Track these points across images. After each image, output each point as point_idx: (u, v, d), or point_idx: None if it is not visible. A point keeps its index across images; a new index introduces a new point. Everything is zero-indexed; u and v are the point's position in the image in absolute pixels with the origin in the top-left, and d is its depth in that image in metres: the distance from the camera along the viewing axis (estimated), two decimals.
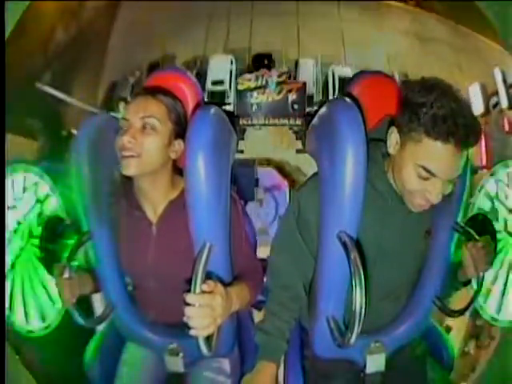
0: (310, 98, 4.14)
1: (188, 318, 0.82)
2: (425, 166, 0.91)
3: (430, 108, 0.88)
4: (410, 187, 0.95)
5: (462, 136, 0.87)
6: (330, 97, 4.21)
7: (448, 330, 1.73)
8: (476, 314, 1.52)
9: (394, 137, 0.97)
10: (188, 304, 0.82)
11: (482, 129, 0.91)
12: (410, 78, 1.01)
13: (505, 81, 1.98)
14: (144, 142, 0.99)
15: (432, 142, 0.88)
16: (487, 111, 2.08)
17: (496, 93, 2.02)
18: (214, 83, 4.24)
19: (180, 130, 1.05)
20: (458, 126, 0.86)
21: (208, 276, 0.88)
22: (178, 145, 1.05)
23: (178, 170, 1.10)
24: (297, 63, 4.04)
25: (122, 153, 0.98)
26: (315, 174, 1.09)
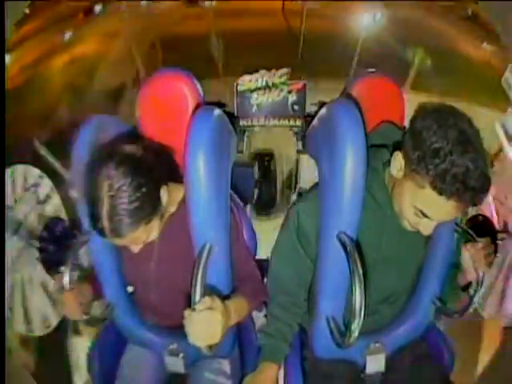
0: None
1: (188, 333, 0.84)
2: (422, 211, 0.89)
3: (443, 161, 0.80)
4: (405, 216, 0.95)
5: (467, 198, 0.83)
6: None
7: None
8: None
9: (398, 162, 0.92)
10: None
11: (490, 186, 0.85)
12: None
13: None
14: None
15: (435, 194, 0.84)
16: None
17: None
18: None
19: (155, 190, 0.92)
20: (467, 190, 0.81)
21: (207, 291, 0.89)
22: (164, 192, 0.95)
23: (175, 177, 1.07)
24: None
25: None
26: (314, 187, 1.09)
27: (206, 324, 0.84)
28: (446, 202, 0.84)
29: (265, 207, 3.02)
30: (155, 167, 0.92)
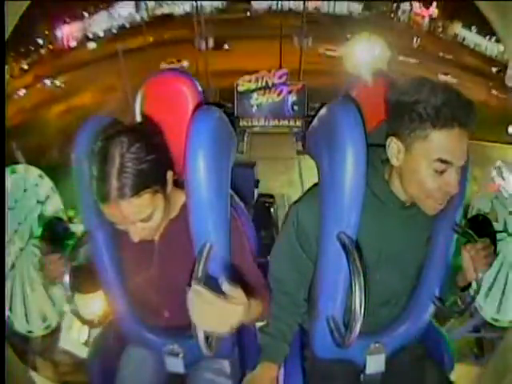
0: None
1: (197, 314, 0.78)
2: (441, 158, 0.90)
3: (428, 101, 0.88)
4: (428, 187, 0.93)
5: (464, 117, 0.88)
6: None
7: None
8: None
9: (394, 147, 0.95)
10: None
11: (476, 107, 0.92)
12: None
13: None
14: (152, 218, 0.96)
15: (439, 132, 0.88)
16: None
17: None
18: None
19: (163, 165, 0.96)
20: (460, 109, 0.88)
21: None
22: (169, 176, 0.98)
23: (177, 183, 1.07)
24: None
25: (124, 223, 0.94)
26: (314, 186, 1.09)
27: (223, 314, 0.78)
28: (451, 132, 0.88)
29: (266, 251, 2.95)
30: (162, 147, 0.96)
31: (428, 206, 0.97)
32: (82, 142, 1.01)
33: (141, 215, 0.92)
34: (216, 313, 0.77)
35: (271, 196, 3.14)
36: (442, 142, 0.89)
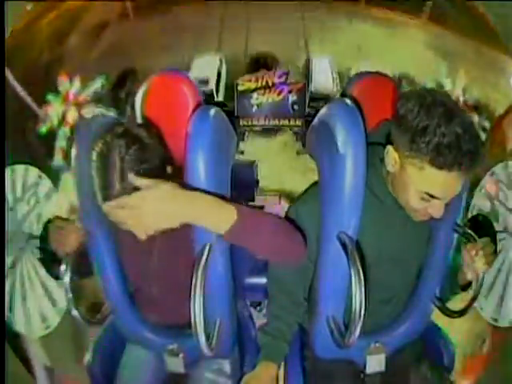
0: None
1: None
2: (428, 193, 0.88)
3: (434, 135, 0.82)
4: (413, 205, 0.94)
5: (467, 164, 0.83)
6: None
7: None
8: None
9: (391, 156, 0.93)
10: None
11: (484, 151, 0.87)
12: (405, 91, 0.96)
13: None
14: None
15: (436, 170, 0.84)
16: None
17: None
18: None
19: (162, 160, 0.97)
20: (464, 154, 0.82)
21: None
22: (170, 170, 1.00)
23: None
24: (309, 62, 3.57)
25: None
26: (313, 185, 1.09)
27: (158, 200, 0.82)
28: (449, 174, 0.84)
29: None
30: (160, 147, 0.97)
31: (413, 215, 0.98)
32: (81, 143, 1.01)
33: None
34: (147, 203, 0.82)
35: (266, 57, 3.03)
36: (435, 179, 0.86)
